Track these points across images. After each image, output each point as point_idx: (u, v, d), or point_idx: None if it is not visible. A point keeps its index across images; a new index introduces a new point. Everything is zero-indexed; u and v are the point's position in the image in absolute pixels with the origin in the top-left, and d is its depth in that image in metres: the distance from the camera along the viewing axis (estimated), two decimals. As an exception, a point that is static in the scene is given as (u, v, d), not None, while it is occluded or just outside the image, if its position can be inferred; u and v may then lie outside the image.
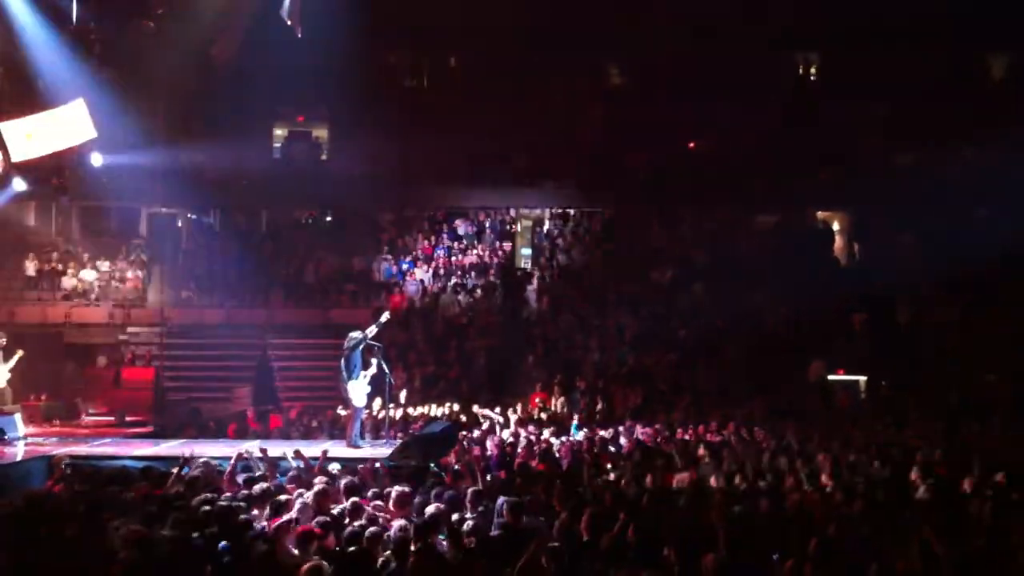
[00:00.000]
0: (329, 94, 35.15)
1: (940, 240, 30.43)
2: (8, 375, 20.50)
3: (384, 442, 17.72)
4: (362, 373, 17.10)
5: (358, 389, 17.06)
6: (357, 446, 16.88)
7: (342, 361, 17.19)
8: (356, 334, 17.45)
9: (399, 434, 19.25)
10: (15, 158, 18.40)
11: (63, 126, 18.15)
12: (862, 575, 7.94)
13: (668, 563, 8.28)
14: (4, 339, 20.81)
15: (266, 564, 8.29)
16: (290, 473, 12.85)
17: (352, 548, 8.59)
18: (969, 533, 9.48)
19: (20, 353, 20.82)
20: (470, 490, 11.01)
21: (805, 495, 11.56)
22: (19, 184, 20.53)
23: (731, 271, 30.16)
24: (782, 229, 32.92)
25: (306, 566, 7.75)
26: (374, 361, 17.46)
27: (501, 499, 10.45)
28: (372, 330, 17.47)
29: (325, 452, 13.90)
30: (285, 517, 9.51)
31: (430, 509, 9.77)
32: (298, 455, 13.77)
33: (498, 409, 22.38)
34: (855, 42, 33.84)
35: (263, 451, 13.90)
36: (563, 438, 18.97)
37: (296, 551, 8.72)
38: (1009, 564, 8.61)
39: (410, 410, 23.82)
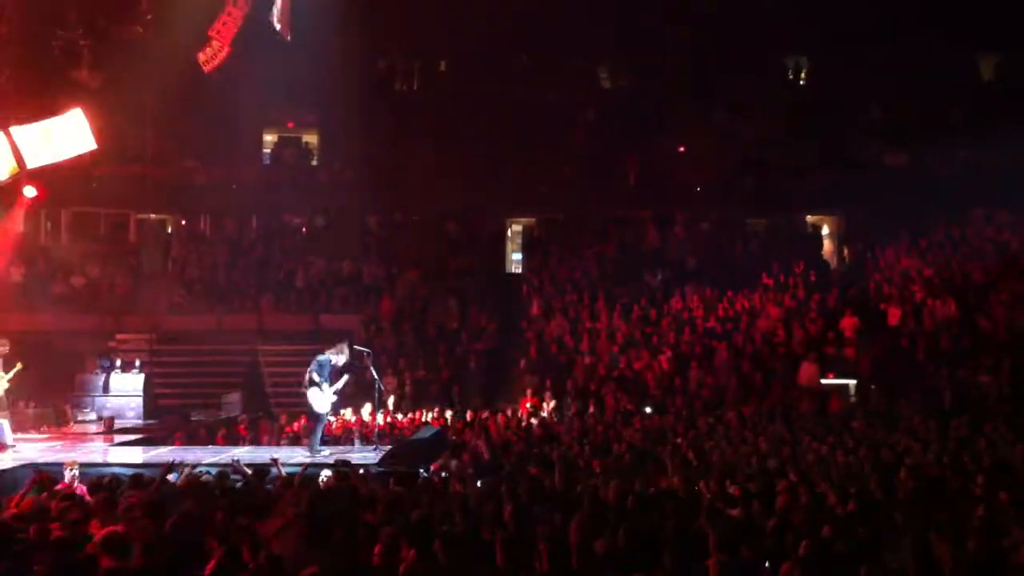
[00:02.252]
0: (319, 99, 35.15)
1: (933, 241, 30.53)
2: (7, 385, 20.42)
3: (373, 448, 17.68)
4: (326, 385, 17.05)
5: (321, 398, 17.02)
6: (318, 452, 16.85)
7: (309, 372, 17.18)
8: (327, 357, 17.40)
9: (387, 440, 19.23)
10: (29, 165, 18.30)
11: (64, 135, 18.05)
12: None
13: (660, 567, 8.22)
14: (7, 347, 20.74)
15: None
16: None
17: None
18: (961, 535, 9.44)
19: (19, 366, 20.76)
20: (461, 494, 10.97)
21: (796, 498, 11.52)
22: (29, 191, 20.43)
23: (722, 274, 30.17)
24: (772, 232, 32.93)
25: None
26: (345, 377, 17.45)
27: (492, 504, 10.40)
28: (342, 359, 17.54)
29: (276, 459, 14.02)
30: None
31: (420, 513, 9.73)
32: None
33: None
34: (845, 44, 33.88)
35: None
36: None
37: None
38: (1003, 565, 8.57)
39: (399, 416, 23.81)
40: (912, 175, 32.04)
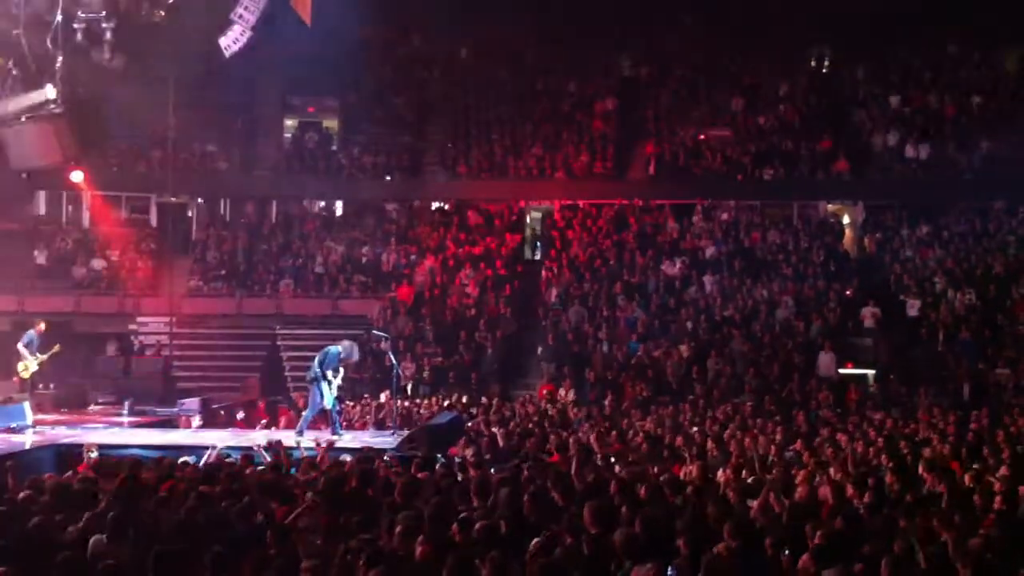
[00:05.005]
0: (340, 85, 35.23)
1: (954, 233, 30.40)
2: (37, 367, 20.56)
3: (391, 433, 17.72)
4: (332, 378, 17.07)
5: (328, 393, 17.03)
6: (300, 433, 16.84)
7: (319, 365, 17.11)
8: (337, 350, 17.36)
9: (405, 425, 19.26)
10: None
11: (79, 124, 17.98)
12: (874, 569, 7.89)
13: (677, 556, 8.23)
14: (43, 326, 20.87)
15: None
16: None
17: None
18: (978, 526, 9.43)
19: (57, 347, 20.92)
20: (478, 480, 11.00)
21: (813, 488, 11.51)
22: (77, 176, 20.48)
23: (742, 264, 30.10)
24: (792, 222, 32.81)
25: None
26: (342, 371, 17.44)
27: (508, 490, 10.42)
28: (354, 356, 17.53)
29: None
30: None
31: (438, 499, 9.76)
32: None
33: None
34: (868, 35, 33.73)
35: (271, 443, 13.94)
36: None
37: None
38: (1018, 557, 8.55)
39: (417, 401, 23.85)
40: (934, 166, 31.88)
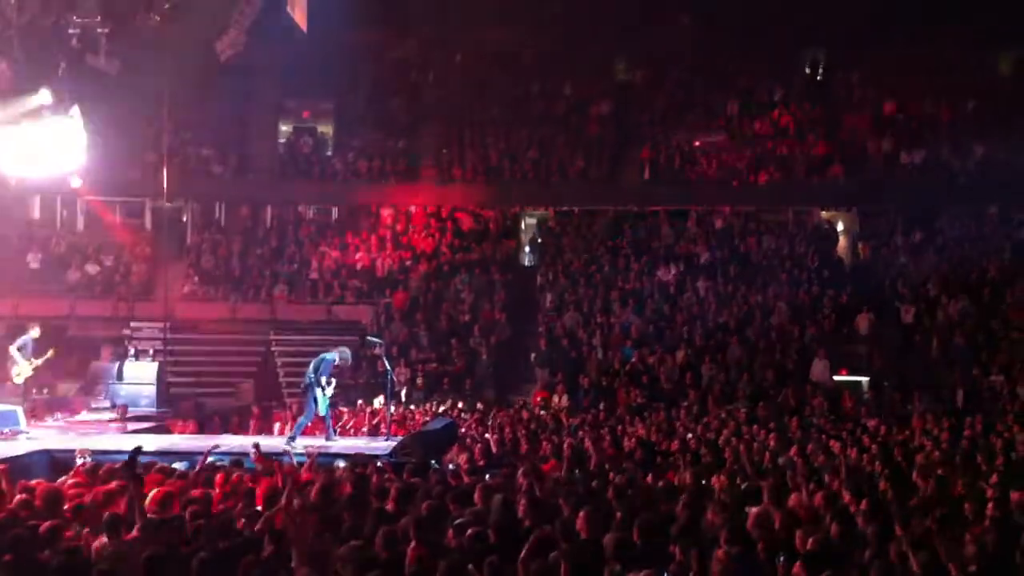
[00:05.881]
0: (335, 89, 35.21)
1: (948, 238, 30.43)
2: (31, 372, 20.50)
3: (385, 439, 17.69)
4: (327, 386, 17.09)
5: (322, 400, 17.06)
6: (292, 439, 16.78)
7: (315, 372, 17.12)
8: (332, 357, 17.37)
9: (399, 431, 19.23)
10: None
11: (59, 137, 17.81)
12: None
13: (672, 562, 8.23)
14: (38, 332, 20.81)
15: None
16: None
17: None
18: (971, 533, 9.43)
19: (51, 353, 20.84)
20: (473, 486, 10.99)
21: (807, 495, 11.50)
22: (75, 181, 20.45)
23: (736, 269, 30.11)
24: (787, 228, 32.82)
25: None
26: (334, 380, 17.47)
27: (502, 495, 10.41)
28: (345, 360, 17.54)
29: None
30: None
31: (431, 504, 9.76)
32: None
33: None
34: (863, 39, 33.74)
35: (256, 447, 13.84)
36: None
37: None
38: (1012, 564, 8.57)
39: (411, 407, 23.82)
40: (928, 172, 31.91)
